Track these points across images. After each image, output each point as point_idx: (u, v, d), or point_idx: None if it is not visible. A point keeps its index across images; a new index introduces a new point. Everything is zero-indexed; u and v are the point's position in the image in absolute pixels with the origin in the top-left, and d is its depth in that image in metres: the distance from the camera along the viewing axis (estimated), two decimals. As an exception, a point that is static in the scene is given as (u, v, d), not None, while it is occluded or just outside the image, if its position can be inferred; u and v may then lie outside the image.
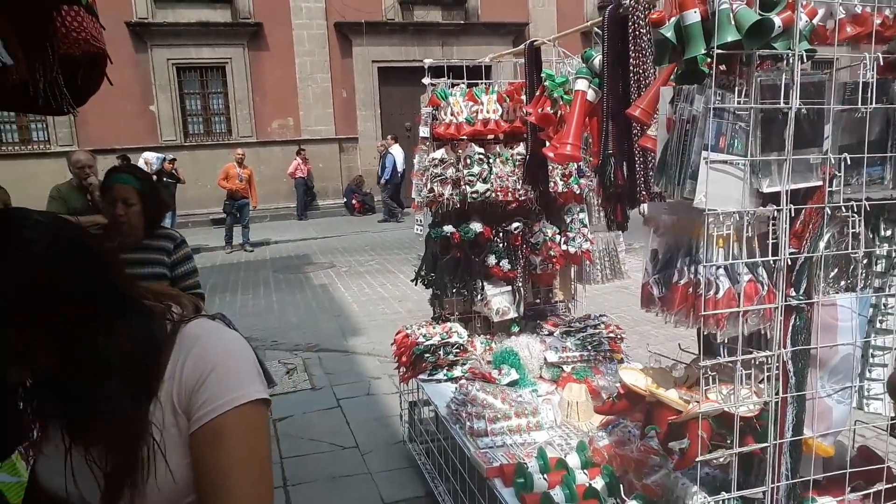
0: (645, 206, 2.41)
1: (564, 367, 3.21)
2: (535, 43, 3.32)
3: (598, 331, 3.42)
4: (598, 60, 2.65)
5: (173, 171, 12.21)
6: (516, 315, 3.69)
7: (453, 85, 3.82)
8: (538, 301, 4.01)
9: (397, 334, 3.70)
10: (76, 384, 1.00)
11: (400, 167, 15.27)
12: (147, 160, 11.95)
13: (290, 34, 16.75)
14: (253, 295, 8.79)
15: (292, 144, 16.67)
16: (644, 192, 2.58)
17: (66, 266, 0.97)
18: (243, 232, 12.45)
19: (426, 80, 3.79)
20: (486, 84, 3.86)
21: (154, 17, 15.72)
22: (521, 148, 3.72)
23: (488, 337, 3.67)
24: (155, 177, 11.87)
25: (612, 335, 3.42)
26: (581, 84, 2.69)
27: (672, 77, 2.03)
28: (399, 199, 15.49)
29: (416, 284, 3.91)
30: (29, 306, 0.93)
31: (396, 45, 17.42)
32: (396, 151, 15.48)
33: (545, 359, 3.28)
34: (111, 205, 2.93)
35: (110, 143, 14.70)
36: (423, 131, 3.82)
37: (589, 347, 3.31)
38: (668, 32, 1.90)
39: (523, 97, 3.54)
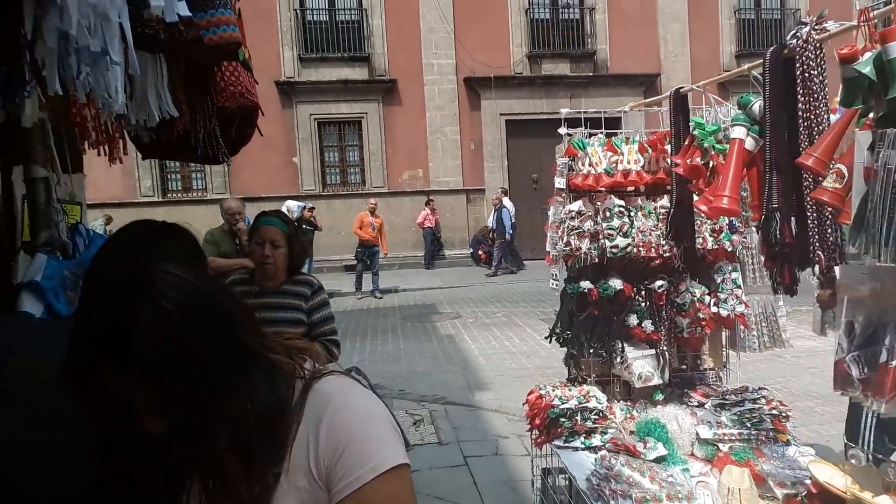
0: (817, 268, 2.09)
1: (720, 445, 2.85)
2: (681, 90, 3.10)
3: (758, 406, 3.02)
4: (757, 106, 2.41)
5: (312, 219, 12.87)
6: (660, 382, 3.37)
7: (591, 135, 3.66)
8: (684, 367, 3.65)
9: (530, 394, 3.50)
10: (192, 448, 0.93)
11: (510, 220, 15.28)
12: (289, 208, 12.71)
13: (421, 89, 17.41)
14: (381, 341, 8.91)
15: (421, 195, 17.11)
16: (820, 252, 2.27)
17: (195, 325, 0.92)
18: (373, 279, 12.81)
19: (562, 130, 3.66)
20: (625, 134, 3.67)
21: (299, 75, 16.98)
22: (664, 201, 3.47)
23: (629, 404, 3.37)
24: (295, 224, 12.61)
25: (774, 412, 3.01)
26: (739, 132, 2.45)
27: (870, 119, 1.76)
28: (513, 252, 15.53)
29: (550, 342, 3.70)
30: (154, 362, 0.88)
31: (524, 97, 17.57)
32: (509, 205, 15.53)
33: (697, 434, 2.93)
34: (259, 245, 3.02)
35: (257, 191, 15.86)
36: (559, 182, 3.67)
37: (748, 424, 2.93)
38: (866, 68, 1.64)
39: (667, 147, 3.31)
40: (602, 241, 3.35)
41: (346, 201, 16.79)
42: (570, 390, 3.28)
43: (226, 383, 0.93)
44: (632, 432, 3.03)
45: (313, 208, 13.30)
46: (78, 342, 0.88)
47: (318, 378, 1.06)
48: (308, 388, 1.04)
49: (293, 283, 3.09)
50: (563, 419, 3.09)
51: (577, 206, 3.45)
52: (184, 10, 1.49)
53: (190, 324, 0.91)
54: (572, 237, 3.44)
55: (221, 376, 0.93)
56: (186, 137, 2.78)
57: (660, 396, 3.37)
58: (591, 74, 17.79)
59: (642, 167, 3.49)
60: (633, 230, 3.40)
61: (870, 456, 1.81)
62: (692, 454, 2.90)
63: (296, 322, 3.01)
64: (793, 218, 2.34)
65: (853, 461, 1.71)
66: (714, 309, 3.41)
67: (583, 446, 3.00)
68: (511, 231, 15.31)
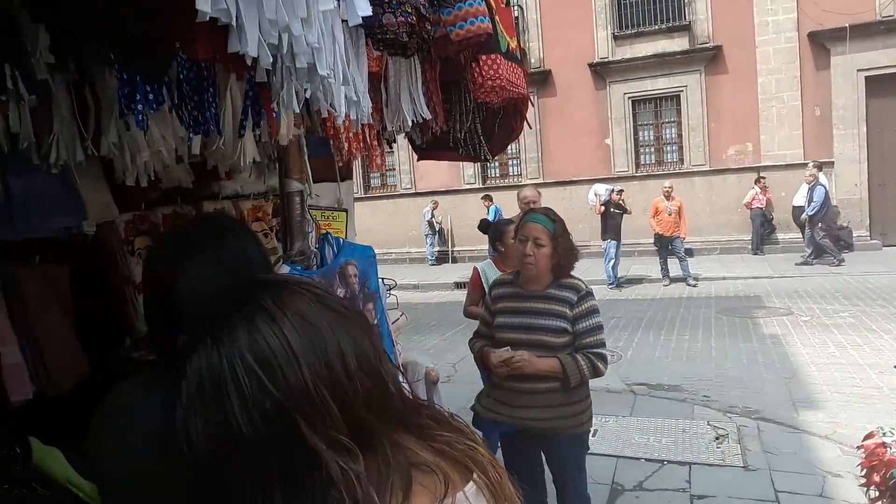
0: None
1: None
2: None
3: None
4: None
5: (620, 202, 12.42)
6: None
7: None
8: None
9: (867, 438, 2.69)
10: None
11: (823, 200, 12.50)
12: (596, 192, 12.48)
13: (752, 53, 15.37)
14: (690, 337, 8.14)
15: (749, 171, 15.21)
16: None
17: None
18: (682, 265, 11.84)
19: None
20: None
21: (613, 55, 16.44)
22: None
23: None
24: (602, 207, 12.32)
25: None
26: None
27: None
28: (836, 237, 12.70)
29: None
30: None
31: (892, 47, 14.23)
32: (825, 182, 12.75)
33: None
34: (522, 243, 2.87)
35: (570, 175, 15.94)
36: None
37: None
38: None
39: None
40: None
41: (661, 182, 15.81)
42: (924, 443, 2.42)
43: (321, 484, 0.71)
44: None
45: (622, 191, 12.80)
46: None
47: None
48: None
49: (558, 287, 2.86)
50: (909, 484, 2.29)
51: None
52: (364, 11, 1.37)
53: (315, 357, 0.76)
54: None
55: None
56: (447, 137, 2.77)
57: None
58: None
59: None
60: None
61: None
62: None
63: (558, 331, 2.79)
64: None
65: None
66: None
67: (938, 527, 2.18)
68: (813, 212, 12.67)
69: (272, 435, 0.70)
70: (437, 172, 16.25)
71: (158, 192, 2.57)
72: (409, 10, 1.98)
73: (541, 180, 16.42)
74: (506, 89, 2.72)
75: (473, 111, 2.80)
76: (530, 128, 3.08)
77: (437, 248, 17.07)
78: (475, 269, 4.26)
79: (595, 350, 2.77)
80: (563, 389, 2.78)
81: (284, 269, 1.90)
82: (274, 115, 1.76)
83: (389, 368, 0.85)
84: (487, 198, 16.04)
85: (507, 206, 13.40)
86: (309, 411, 0.71)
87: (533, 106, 3.03)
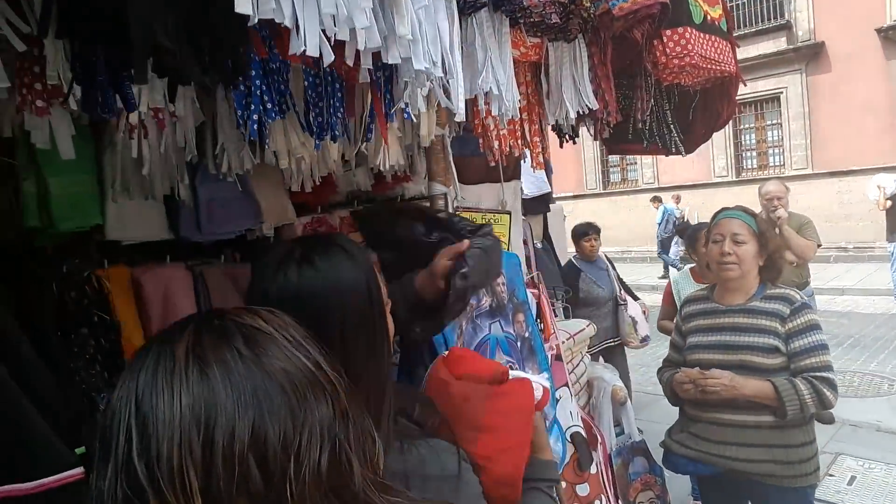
0: None
1: None
2: None
3: None
4: None
5: (914, 196, 10.20)
6: None
7: None
8: None
9: None
10: None
11: None
12: (880, 184, 10.39)
13: None
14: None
15: None
16: None
17: None
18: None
19: None
20: None
21: (913, 15, 13.56)
22: None
23: None
24: (889, 202, 10.24)
25: None
26: None
27: None
28: None
29: None
30: None
31: None
32: None
33: None
34: (716, 244, 2.42)
35: (847, 164, 13.58)
36: None
37: None
38: None
39: None
40: None
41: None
42: None
43: None
44: None
45: (918, 182, 10.49)
46: None
47: None
48: None
49: (765, 299, 2.36)
50: None
51: None
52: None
53: None
54: None
55: None
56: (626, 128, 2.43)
57: None
58: None
59: None
60: None
61: None
62: None
63: (769, 350, 2.29)
64: None
65: None
66: None
67: None
68: None
69: None
70: (683, 165, 15.00)
71: (335, 194, 2.67)
72: (555, -12, 1.75)
73: (809, 171, 14.26)
74: (700, 68, 2.31)
75: (658, 96, 2.42)
76: (739, 112, 2.58)
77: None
78: (668, 280, 3.79)
79: (819, 374, 2.22)
80: (780, 426, 2.27)
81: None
82: (405, 115, 1.68)
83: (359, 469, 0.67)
84: (656, 199, 14.49)
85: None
86: (167, 497, 0.57)
87: (745, 84, 2.53)
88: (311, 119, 1.65)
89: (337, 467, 0.64)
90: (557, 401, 2.35)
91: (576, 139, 2.78)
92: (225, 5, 1.00)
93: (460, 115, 1.54)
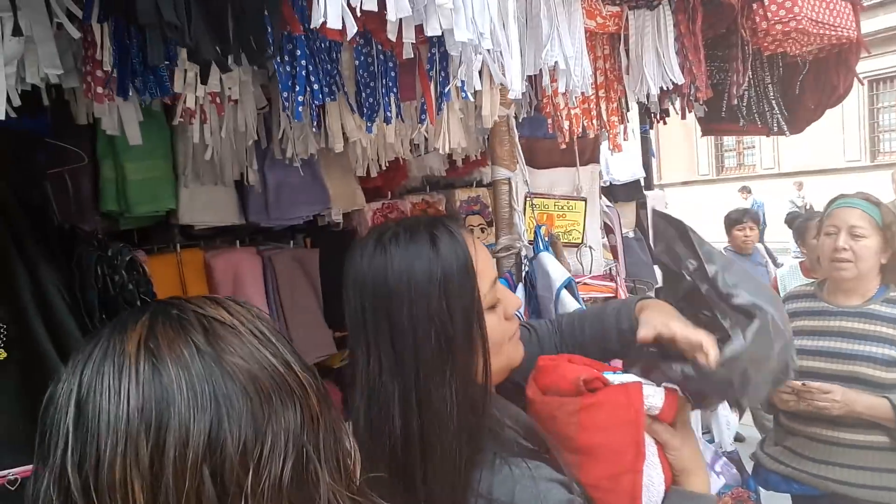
0: None
1: None
2: None
3: None
4: None
5: None
6: None
7: None
8: None
9: None
10: None
11: None
12: None
13: None
14: None
15: None
16: None
17: None
18: None
19: None
20: None
21: None
22: None
23: None
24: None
25: None
26: None
27: None
28: None
29: None
30: None
31: None
32: None
33: None
34: (829, 236, 2.13)
35: None
36: None
37: None
38: None
39: None
40: None
41: None
42: None
43: None
44: None
45: None
46: None
47: None
48: None
49: (888, 301, 2.05)
50: None
51: None
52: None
53: None
54: None
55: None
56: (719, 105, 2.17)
57: None
58: None
59: None
60: None
61: None
62: None
63: (888, 363, 1.99)
64: None
65: None
66: None
67: None
68: None
69: None
70: (809, 146, 13.76)
71: (407, 180, 2.61)
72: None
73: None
74: (809, 34, 2.02)
75: (758, 68, 2.14)
76: (861, 84, 2.26)
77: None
78: (774, 276, 3.41)
79: None
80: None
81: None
82: (462, 94, 1.57)
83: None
84: (745, 189, 13.19)
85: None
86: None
87: (868, 52, 2.20)
88: (363, 100, 1.58)
89: (301, 479, 0.57)
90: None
91: (666, 119, 2.55)
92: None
93: (515, 93, 1.41)
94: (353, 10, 1.07)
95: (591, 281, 2.12)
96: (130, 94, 1.53)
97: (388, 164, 2.29)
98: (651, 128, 2.80)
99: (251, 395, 0.57)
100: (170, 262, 2.19)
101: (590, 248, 2.20)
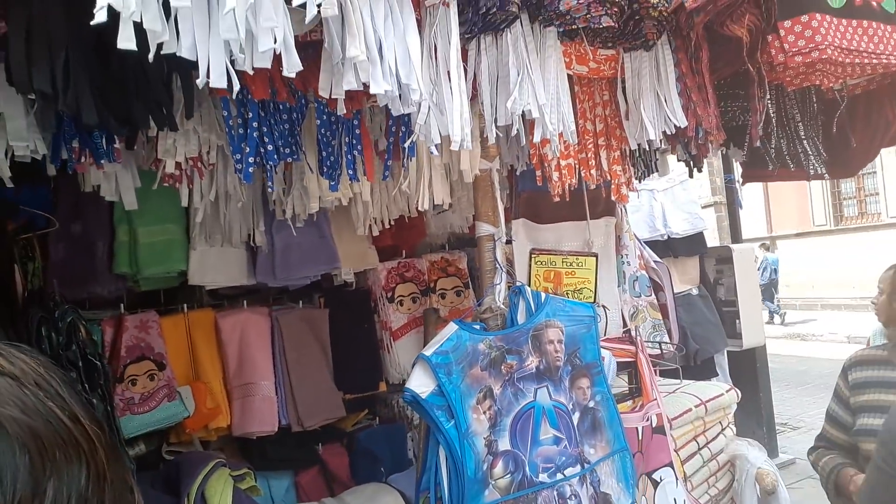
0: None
1: None
2: None
3: None
4: None
5: None
6: None
7: None
8: None
9: None
10: None
11: None
12: None
13: None
14: None
15: None
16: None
17: None
18: None
19: None
20: None
21: None
22: None
23: None
24: None
25: None
26: None
27: None
28: None
29: None
30: None
31: None
32: None
33: None
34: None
35: None
36: None
37: None
38: None
39: None
40: None
41: None
42: None
43: None
44: None
45: None
46: None
47: None
48: None
49: None
50: None
51: None
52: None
53: None
54: None
55: None
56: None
57: None
58: None
59: None
60: None
61: None
62: None
63: None
64: None
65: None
66: None
67: None
68: None
69: None
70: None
71: (423, 237, 2.54)
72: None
73: None
74: (841, 64, 1.80)
75: (785, 105, 1.91)
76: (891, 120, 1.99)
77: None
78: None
79: None
80: None
81: (448, 329, 1.58)
82: (430, 150, 1.49)
83: None
84: (764, 246, 12.25)
85: None
86: None
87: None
88: (324, 159, 1.55)
89: None
90: (658, 484, 1.91)
91: (700, 167, 2.34)
92: (120, 53, 0.93)
93: (456, 145, 1.32)
94: (255, 69, 1.05)
95: (604, 344, 1.93)
96: (109, 161, 1.60)
97: (395, 222, 2.25)
98: (690, 176, 2.58)
99: (31, 451, 0.52)
100: (180, 322, 2.24)
101: (603, 307, 2.01)
